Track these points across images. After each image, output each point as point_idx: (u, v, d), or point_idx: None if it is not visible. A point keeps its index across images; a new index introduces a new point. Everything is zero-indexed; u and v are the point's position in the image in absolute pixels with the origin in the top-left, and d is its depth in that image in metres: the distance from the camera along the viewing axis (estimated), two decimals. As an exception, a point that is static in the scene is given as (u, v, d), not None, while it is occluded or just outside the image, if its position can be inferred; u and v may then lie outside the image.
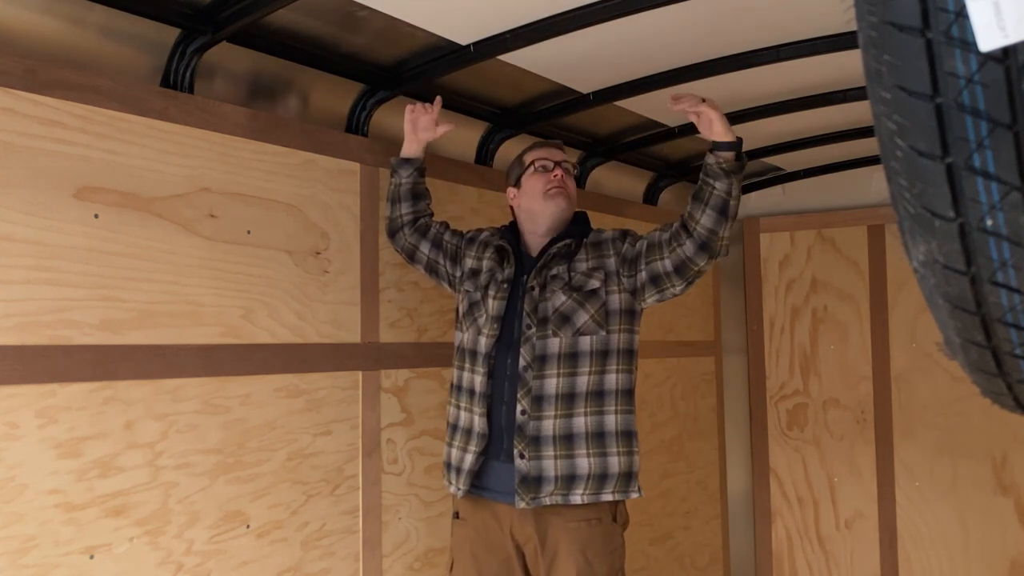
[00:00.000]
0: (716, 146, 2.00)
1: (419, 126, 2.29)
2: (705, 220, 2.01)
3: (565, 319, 2.09)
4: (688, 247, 2.03)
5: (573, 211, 2.26)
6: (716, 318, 4.06)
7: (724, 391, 4.11)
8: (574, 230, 2.23)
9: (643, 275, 2.11)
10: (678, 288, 2.10)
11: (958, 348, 0.88)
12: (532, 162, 2.26)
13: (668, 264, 2.07)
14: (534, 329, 2.10)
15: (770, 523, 4.01)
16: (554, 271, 2.15)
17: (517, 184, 2.29)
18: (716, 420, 4.03)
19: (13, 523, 1.64)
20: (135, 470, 1.84)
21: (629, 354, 2.16)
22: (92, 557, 1.75)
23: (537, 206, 2.22)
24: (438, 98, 2.30)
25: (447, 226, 2.39)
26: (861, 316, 3.82)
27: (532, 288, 2.14)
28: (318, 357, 2.24)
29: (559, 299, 2.11)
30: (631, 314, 2.16)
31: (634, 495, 2.12)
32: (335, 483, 2.27)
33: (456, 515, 2.22)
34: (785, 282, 4.01)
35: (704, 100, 1.99)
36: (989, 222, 0.71)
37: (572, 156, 3.25)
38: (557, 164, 2.24)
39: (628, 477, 2.10)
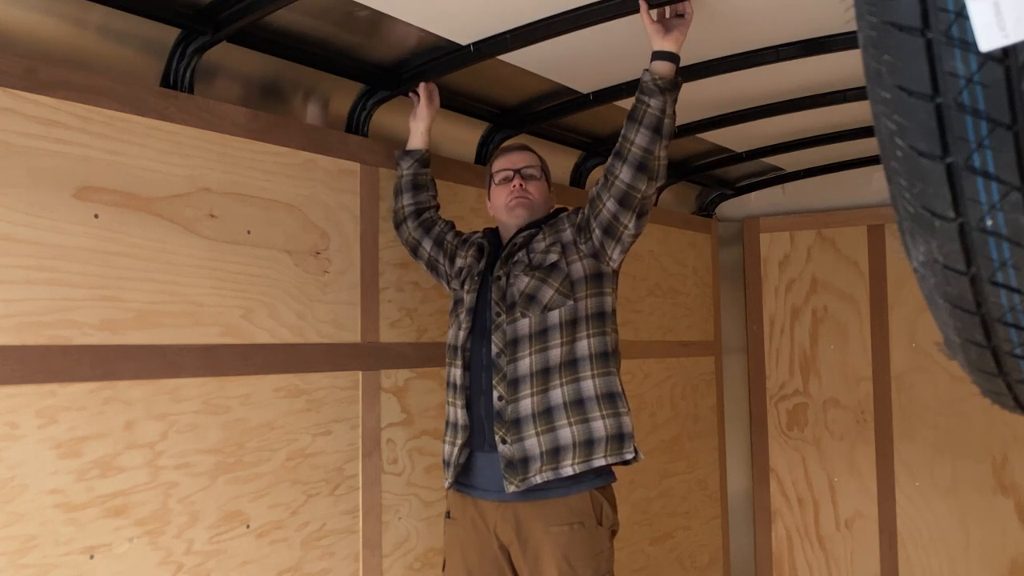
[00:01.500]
0: (656, 57, 1.96)
1: (416, 113, 2.42)
2: (640, 139, 1.97)
3: (531, 299, 2.09)
4: (625, 173, 1.99)
5: (542, 214, 2.26)
6: (716, 318, 4.06)
7: (724, 391, 4.11)
8: (539, 221, 2.23)
9: (597, 232, 2.08)
10: (631, 226, 2.05)
11: (958, 348, 0.88)
12: (493, 175, 2.31)
13: (611, 204, 2.03)
14: (503, 316, 2.10)
15: (770, 523, 4.01)
16: (516, 258, 2.16)
17: (488, 195, 2.34)
18: (716, 420, 4.02)
19: (13, 523, 1.64)
20: (135, 470, 1.83)
21: (600, 317, 2.12)
22: (92, 557, 1.75)
23: (502, 217, 2.27)
24: (422, 84, 2.38)
25: (452, 226, 2.42)
26: (861, 316, 3.82)
27: (499, 278, 2.15)
28: (318, 357, 2.25)
29: (522, 281, 2.11)
30: (598, 277, 2.13)
31: (629, 456, 2.07)
32: (335, 483, 2.27)
33: (448, 514, 2.23)
34: (785, 282, 4.01)
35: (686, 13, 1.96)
36: (989, 222, 0.71)
37: (571, 156, 3.25)
38: (516, 172, 2.25)
39: (620, 439, 2.06)
